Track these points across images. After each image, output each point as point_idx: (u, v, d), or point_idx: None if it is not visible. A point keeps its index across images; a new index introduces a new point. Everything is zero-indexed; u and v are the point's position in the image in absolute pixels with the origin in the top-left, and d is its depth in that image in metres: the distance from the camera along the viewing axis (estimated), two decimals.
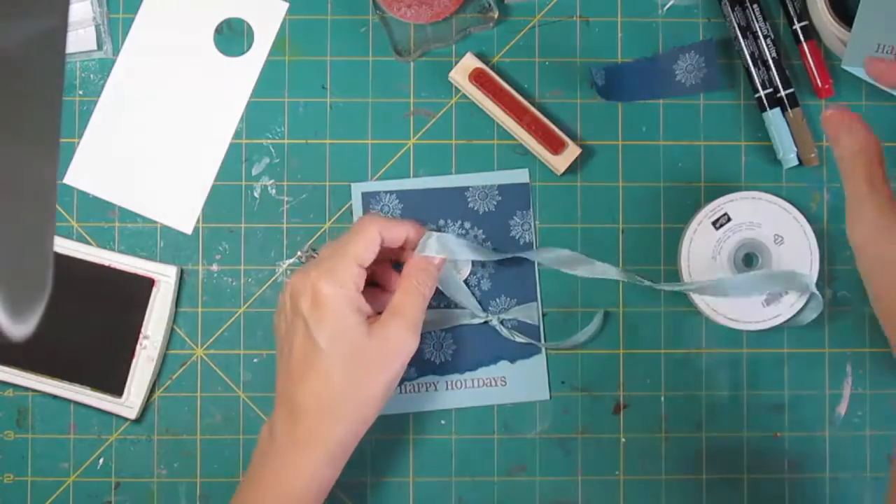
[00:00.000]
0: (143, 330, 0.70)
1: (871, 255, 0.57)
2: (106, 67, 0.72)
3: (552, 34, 0.72)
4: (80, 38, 0.71)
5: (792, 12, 0.71)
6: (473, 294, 0.71)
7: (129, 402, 0.70)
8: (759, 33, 0.71)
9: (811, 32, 0.71)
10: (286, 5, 0.72)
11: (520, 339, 0.71)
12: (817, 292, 0.69)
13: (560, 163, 0.70)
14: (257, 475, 0.63)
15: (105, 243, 0.71)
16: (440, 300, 0.71)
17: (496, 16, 0.71)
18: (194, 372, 0.71)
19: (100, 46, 0.71)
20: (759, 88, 0.71)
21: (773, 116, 0.71)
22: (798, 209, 0.70)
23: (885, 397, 0.72)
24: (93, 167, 0.71)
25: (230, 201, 0.72)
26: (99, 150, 0.72)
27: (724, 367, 0.72)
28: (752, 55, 0.71)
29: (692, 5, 0.72)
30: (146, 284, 0.70)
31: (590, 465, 0.71)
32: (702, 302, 0.70)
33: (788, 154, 0.71)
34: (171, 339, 0.71)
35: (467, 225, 0.71)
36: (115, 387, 0.70)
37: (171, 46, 0.72)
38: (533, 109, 0.70)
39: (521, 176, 0.72)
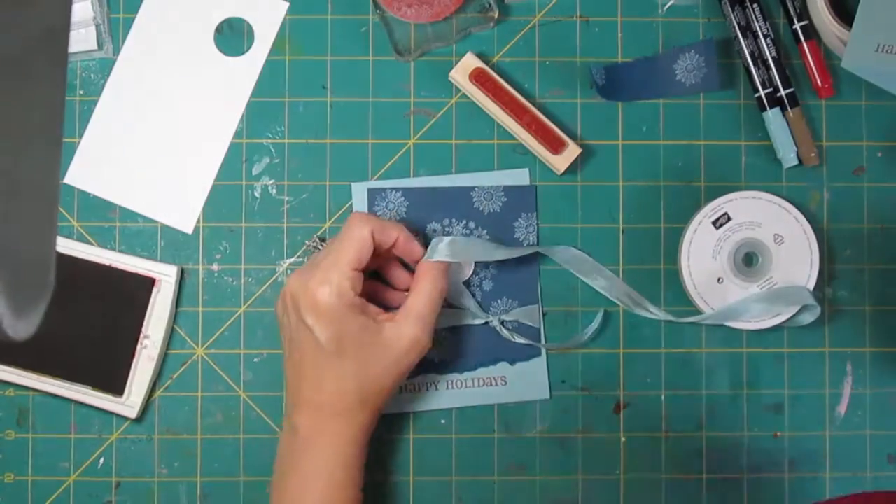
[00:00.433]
0: (143, 329, 0.70)
1: None
2: (106, 67, 0.72)
3: (552, 34, 0.72)
4: (81, 38, 0.71)
5: (792, 12, 0.71)
6: (474, 295, 0.71)
7: (130, 402, 0.70)
8: (759, 33, 0.71)
9: (811, 32, 0.71)
10: (286, 5, 0.72)
11: (520, 340, 0.71)
12: (815, 303, 0.69)
13: (560, 162, 0.70)
14: (293, 467, 0.65)
15: (106, 243, 0.71)
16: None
17: (496, 16, 0.71)
18: (195, 371, 0.71)
19: (100, 46, 0.71)
20: (759, 88, 0.71)
21: (773, 116, 0.71)
22: (798, 209, 0.70)
23: (885, 397, 0.72)
24: (93, 167, 0.71)
25: (230, 201, 0.72)
26: (99, 150, 0.72)
27: (724, 366, 0.72)
28: (752, 55, 0.71)
29: (692, 5, 0.72)
30: (147, 284, 0.70)
31: (590, 464, 0.71)
32: (702, 302, 0.70)
33: (788, 154, 0.71)
34: (171, 338, 0.71)
35: (472, 225, 0.71)
36: (116, 386, 0.70)
37: (171, 46, 0.72)
38: (533, 109, 0.70)
39: (521, 176, 0.72)
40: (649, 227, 0.72)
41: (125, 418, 0.71)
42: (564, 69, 0.72)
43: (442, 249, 0.67)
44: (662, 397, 0.72)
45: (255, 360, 0.71)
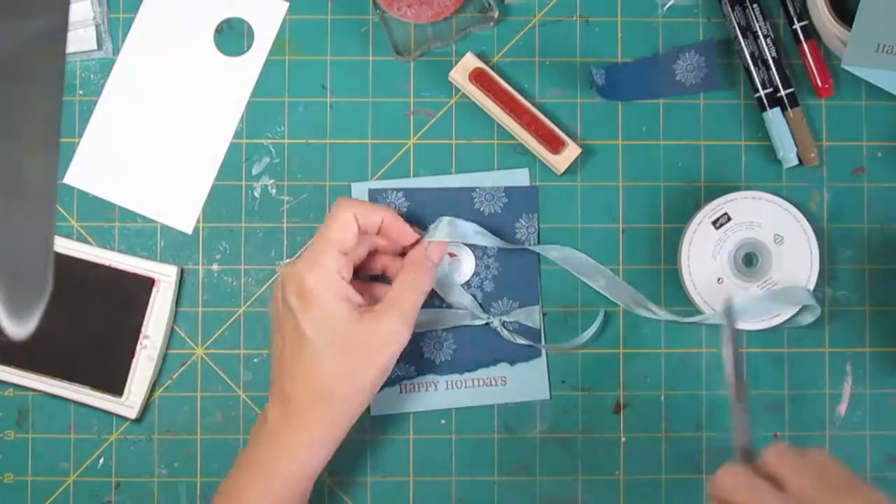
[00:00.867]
0: (143, 330, 0.70)
1: None
2: (106, 67, 0.72)
3: (552, 34, 0.72)
4: (80, 38, 0.71)
5: (792, 12, 0.71)
6: (475, 296, 0.71)
7: (130, 402, 0.70)
8: (759, 33, 0.71)
9: (811, 32, 0.71)
10: (286, 5, 0.72)
11: (520, 341, 0.71)
12: (815, 303, 0.69)
13: (560, 163, 0.70)
14: (250, 459, 0.64)
15: (105, 243, 0.71)
16: (441, 300, 0.71)
17: (496, 15, 0.71)
18: (194, 372, 0.71)
19: (100, 46, 0.71)
20: (759, 88, 0.71)
21: (773, 116, 0.71)
22: (798, 209, 0.70)
23: (885, 397, 0.72)
24: (93, 167, 0.71)
25: (230, 201, 0.72)
26: (99, 150, 0.72)
27: (724, 367, 0.72)
28: (752, 55, 0.71)
29: (692, 5, 0.72)
30: (146, 284, 0.70)
31: (590, 465, 0.71)
32: (702, 302, 0.70)
33: (788, 154, 0.71)
34: (171, 338, 0.71)
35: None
36: (116, 386, 0.70)
37: (171, 46, 0.72)
38: (533, 109, 0.70)
39: (521, 176, 0.72)
40: (649, 227, 0.72)
41: (125, 418, 0.71)
42: (564, 69, 0.72)
43: (442, 228, 0.68)
44: (662, 397, 0.72)
45: (255, 360, 0.71)
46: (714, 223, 0.70)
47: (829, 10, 0.69)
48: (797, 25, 0.71)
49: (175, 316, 0.71)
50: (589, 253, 0.71)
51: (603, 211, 0.72)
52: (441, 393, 0.71)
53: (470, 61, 0.70)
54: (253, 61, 0.72)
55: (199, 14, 0.72)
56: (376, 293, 0.68)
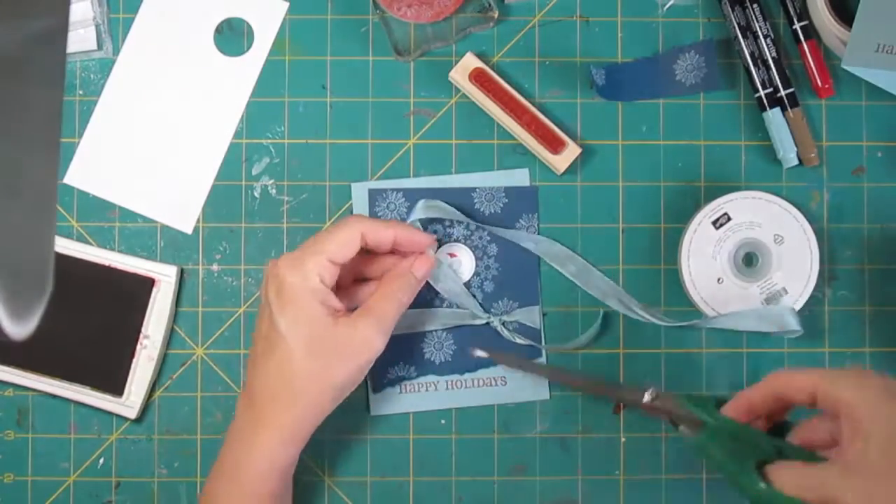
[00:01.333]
0: (143, 330, 0.70)
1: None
2: (106, 67, 0.72)
3: (552, 34, 0.72)
4: (80, 38, 0.71)
5: (792, 12, 0.71)
6: (475, 296, 0.71)
7: (130, 402, 0.70)
8: (759, 33, 0.71)
9: (811, 32, 0.71)
10: (286, 5, 0.72)
11: (520, 341, 0.71)
12: (798, 328, 0.69)
13: (560, 163, 0.70)
14: (222, 459, 0.64)
15: (105, 243, 0.71)
16: (442, 300, 0.71)
17: (496, 16, 0.71)
18: (194, 372, 0.71)
19: (100, 46, 0.71)
20: (759, 88, 0.71)
21: (773, 116, 0.71)
22: (798, 209, 0.70)
23: None
24: (93, 167, 0.71)
25: (230, 201, 0.72)
26: (99, 150, 0.72)
27: (724, 366, 0.72)
28: (752, 55, 0.71)
29: (692, 5, 0.72)
30: (146, 284, 0.70)
31: (590, 465, 0.71)
32: (702, 302, 0.70)
33: (788, 154, 0.71)
34: (171, 338, 0.71)
35: (472, 226, 0.71)
36: (116, 386, 0.70)
37: (171, 46, 0.72)
38: (533, 109, 0.70)
39: (521, 176, 0.72)
40: (649, 228, 0.72)
41: (125, 418, 0.71)
42: (564, 69, 0.72)
43: (419, 208, 0.69)
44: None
45: None
46: (714, 223, 0.70)
47: (829, 10, 0.69)
48: (797, 25, 0.71)
49: (175, 316, 0.71)
50: (589, 253, 0.71)
51: (603, 211, 0.72)
52: (441, 393, 0.71)
53: (470, 61, 0.70)
54: (253, 61, 0.72)
55: (199, 14, 0.72)
56: (363, 297, 0.68)
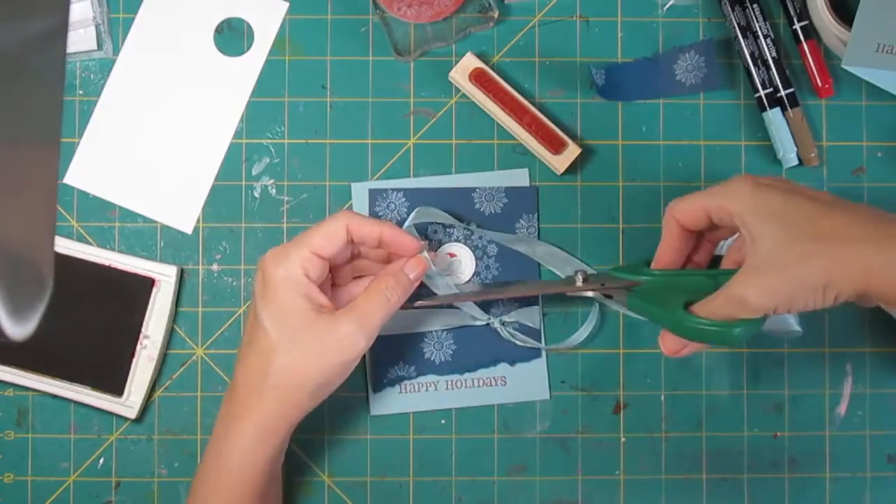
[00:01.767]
0: (143, 330, 0.70)
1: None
2: (106, 67, 0.72)
3: (552, 34, 0.72)
4: (80, 38, 0.71)
5: (792, 12, 0.71)
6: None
7: (130, 402, 0.70)
8: (759, 33, 0.71)
9: (811, 32, 0.71)
10: (286, 5, 0.72)
11: (520, 341, 0.71)
12: (798, 329, 0.69)
13: (560, 162, 0.70)
14: (206, 451, 0.65)
15: (105, 243, 0.71)
16: (442, 300, 0.71)
17: (496, 16, 0.71)
18: (194, 372, 0.71)
19: (100, 46, 0.71)
20: (759, 88, 0.71)
21: (773, 116, 0.71)
22: None
23: (885, 397, 0.72)
24: (93, 167, 0.71)
25: (230, 201, 0.72)
26: (99, 150, 0.72)
27: (724, 367, 0.72)
28: (752, 55, 0.71)
29: (692, 5, 0.72)
30: (146, 284, 0.70)
31: (590, 465, 0.71)
32: None
33: (788, 154, 0.71)
34: (171, 338, 0.71)
35: (473, 226, 0.71)
36: (116, 386, 0.70)
37: (171, 46, 0.72)
38: (533, 109, 0.70)
39: (521, 176, 0.72)
40: (649, 228, 0.72)
41: (125, 418, 0.71)
42: (564, 69, 0.72)
43: (412, 216, 0.69)
44: (662, 397, 0.72)
45: None
46: None
47: (829, 10, 0.69)
48: (797, 25, 0.71)
49: (175, 316, 0.71)
50: (589, 253, 0.71)
51: (603, 211, 0.72)
52: (441, 393, 0.71)
53: (470, 61, 0.70)
54: (253, 61, 0.72)
55: (199, 14, 0.72)
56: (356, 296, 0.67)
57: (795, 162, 0.71)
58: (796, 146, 0.71)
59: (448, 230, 0.71)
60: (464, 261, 0.71)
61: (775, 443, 0.72)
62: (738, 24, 0.71)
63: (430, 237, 0.71)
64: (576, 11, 0.72)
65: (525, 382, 0.71)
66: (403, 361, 0.71)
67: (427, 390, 0.71)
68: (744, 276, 0.55)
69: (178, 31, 0.72)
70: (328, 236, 0.63)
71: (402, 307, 0.65)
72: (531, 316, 0.71)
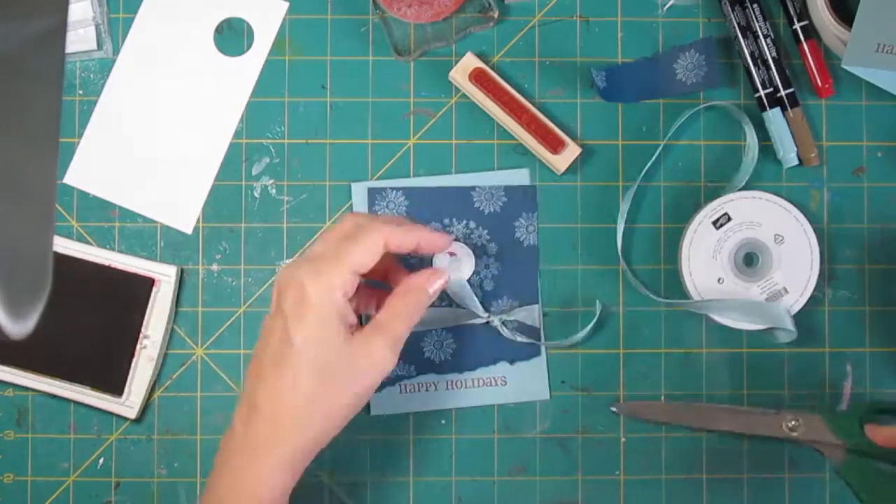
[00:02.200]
0: (143, 330, 0.70)
1: None
2: (106, 67, 0.72)
3: (552, 34, 0.72)
4: (80, 38, 0.71)
5: (792, 12, 0.71)
6: (476, 294, 0.71)
7: (129, 402, 0.70)
8: (759, 33, 0.71)
9: (811, 32, 0.71)
10: (286, 5, 0.72)
11: (521, 339, 0.71)
12: (792, 328, 0.68)
13: (560, 162, 0.70)
14: (217, 474, 0.60)
15: (105, 243, 0.71)
16: (441, 299, 0.71)
17: (496, 15, 0.71)
18: (194, 372, 0.71)
19: (100, 46, 0.71)
20: (759, 88, 0.71)
21: (773, 116, 0.71)
22: (798, 209, 0.70)
23: (885, 397, 0.72)
24: (93, 167, 0.72)
25: (230, 201, 0.72)
26: (99, 150, 0.72)
27: (724, 366, 0.72)
28: (752, 55, 0.71)
29: (692, 5, 0.72)
30: (146, 284, 0.70)
31: (590, 465, 0.71)
32: (703, 301, 0.70)
33: (788, 154, 0.71)
34: (171, 338, 0.71)
35: (472, 225, 0.71)
36: (115, 387, 0.70)
37: (171, 46, 0.72)
38: (533, 109, 0.70)
39: (521, 176, 0.72)
40: (649, 227, 0.72)
41: (125, 418, 0.71)
42: (564, 69, 0.72)
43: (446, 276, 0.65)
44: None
45: None
46: (714, 223, 0.70)
47: (829, 10, 0.69)
48: (797, 25, 0.71)
49: (175, 316, 0.71)
50: (589, 253, 0.71)
51: (603, 211, 0.72)
52: (441, 393, 0.71)
53: (470, 61, 0.70)
54: (253, 61, 0.72)
55: (199, 14, 0.72)
56: (365, 302, 0.66)
57: (795, 162, 0.71)
58: (796, 146, 0.71)
59: (447, 229, 0.71)
60: (463, 260, 0.71)
61: (775, 443, 0.72)
62: (738, 24, 0.71)
63: None
64: (576, 11, 0.72)
65: (525, 382, 0.71)
66: (403, 361, 0.71)
67: (427, 390, 0.71)
68: None
69: (178, 31, 0.72)
70: (368, 252, 0.59)
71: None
72: (531, 314, 0.71)
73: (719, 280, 0.70)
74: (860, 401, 0.71)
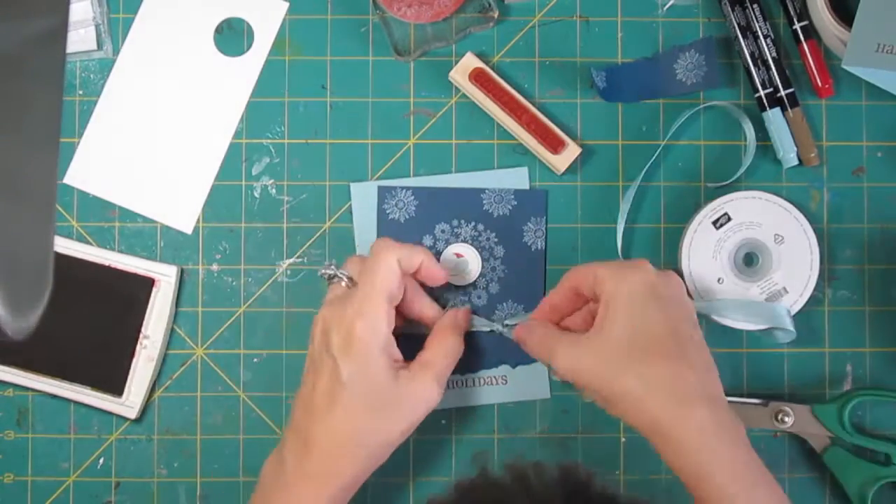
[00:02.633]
0: (143, 330, 0.70)
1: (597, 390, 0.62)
2: (106, 67, 0.72)
3: (552, 34, 0.72)
4: (80, 38, 0.71)
5: (792, 12, 0.71)
6: (480, 297, 0.71)
7: (129, 402, 0.70)
8: (759, 33, 0.71)
9: (811, 32, 0.71)
10: (286, 5, 0.72)
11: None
12: (791, 328, 0.69)
13: (560, 162, 0.70)
14: (264, 500, 0.63)
15: (105, 243, 0.71)
16: (445, 302, 0.71)
17: (496, 15, 0.71)
18: (194, 372, 0.71)
19: (100, 46, 0.71)
20: (759, 88, 0.71)
21: (773, 116, 0.71)
22: (798, 209, 0.70)
23: (884, 397, 0.72)
24: (93, 167, 0.71)
25: (230, 201, 0.72)
26: (99, 150, 0.72)
27: (724, 366, 0.72)
28: (752, 55, 0.71)
29: (692, 5, 0.72)
30: (146, 284, 0.70)
31: (590, 465, 0.71)
32: (702, 302, 0.70)
33: (788, 154, 0.71)
34: (171, 338, 0.71)
35: (480, 227, 0.71)
36: (115, 387, 0.70)
37: (171, 46, 0.72)
38: (533, 109, 0.70)
39: (520, 175, 0.71)
40: (649, 227, 0.72)
41: (125, 418, 0.71)
42: (564, 69, 0.72)
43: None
44: None
45: (255, 360, 0.71)
46: (714, 223, 0.70)
47: (829, 10, 0.69)
48: (797, 25, 0.71)
49: (175, 316, 0.71)
50: (589, 252, 0.71)
51: (603, 211, 0.72)
52: None
53: (470, 61, 0.70)
54: (253, 61, 0.72)
55: (199, 14, 0.72)
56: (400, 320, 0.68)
57: (795, 162, 0.71)
58: (796, 146, 0.71)
59: (455, 230, 0.71)
60: (470, 261, 0.71)
61: (775, 443, 0.72)
62: (738, 24, 0.71)
63: (437, 237, 0.71)
64: (576, 11, 0.72)
65: (526, 381, 0.71)
66: None
67: None
68: (574, 340, 0.62)
69: (178, 31, 0.72)
70: (388, 274, 0.63)
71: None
72: None
73: (719, 280, 0.70)
74: (844, 392, 0.71)
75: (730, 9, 0.71)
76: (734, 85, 0.72)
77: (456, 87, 0.72)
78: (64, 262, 0.70)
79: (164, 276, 0.70)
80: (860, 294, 0.72)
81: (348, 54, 0.72)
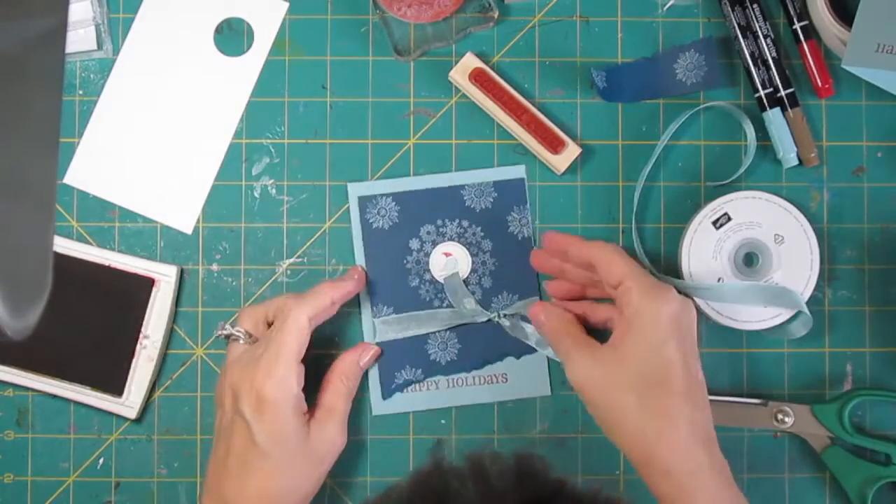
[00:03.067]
0: (143, 330, 0.70)
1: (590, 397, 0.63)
2: (106, 67, 0.72)
3: (552, 34, 0.72)
4: (80, 38, 0.71)
5: (792, 12, 0.71)
6: (474, 293, 0.71)
7: (129, 402, 0.70)
8: (759, 33, 0.71)
9: (811, 32, 0.71)
10: (286, 5, 0.72)
11: (528, 327, 0.70)
12: (807, 311, 0.68)
13: (560, 162, 0.70)
14: None
15: (105, 243, 0.71)
16: (441, 301, 0.71)
17: (496, 16, 0.71)
18: (194, 372, 0.71)
19: (100, 46, 0.71)
20: (759, 88, 0.71)
21: (773, 116, 0.71)
22: (798, 209, 0.70)
23: (884, 397, 0.72)
24: (93, 167, 0.71)
25: (230, 201, 0.72)
26: (99, 150, 0.72)
27: (724, 366, 0.72)
28: (752, 55, 0.71)
29: (692, 5, 0.72)
30: (146, 284, 0.70)
31: (590, 464, 0.71)
32: (702, 301, 0.70)
33: (788, 154, 0.71)
34: (171, 338, 0.71)
35: (465, 223, 0.71)
36: (115, 386, 0.70)
37: (171, 46, 0.72)
38: (533, 109, 0.70)
39: (516, 171, 0.71)
40: (649, 228, 0.72)
41: (125, 418, 0.71)
42: (564, 69, 0.72)
43: (380, 329, 0.70)
44: None
45: None
46: (714, 223, 0.70)
47: (829, 10, 0.69)
48: (797, 25, 0.71)
49: (175, 316, 0.71)
50: None
51: (603, 211, 0.72)
52: (442, 391, 0.71)
53: (470, 61, 0.70)
54: (253, 61, 0.72)
55: (199, 14, 0.72)
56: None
57: (795, 162, 0.71)
58: (796, 146, 0.71)
59: (441, 229, 0.71)
60: (460, 259, 0.71)
61: (775, 443, 0.72)
62: (738, 24, 0.71)
63: (424, 239, 0.71)
64: (576, 11, 0.72)
65: (526, 379, 0.71)
66: (410, 365, 0.71)
67: (428, 389, 0.71)
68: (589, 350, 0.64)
69: (178, 31, 0.72)
70: (298, 336, 0.64)
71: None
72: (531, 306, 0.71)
73: (719, 280, 0.70)
74: (844, 392, 0.71)
75: (730, 9, 0.71)
76: (734, 85, 0.72)
77: (456, 87, 0.72)
78: (64, 262, 0.70)
79: (164, 276, 0.70)
80: (860, 294, 0.72)
81: (348, 54, 0.72)
